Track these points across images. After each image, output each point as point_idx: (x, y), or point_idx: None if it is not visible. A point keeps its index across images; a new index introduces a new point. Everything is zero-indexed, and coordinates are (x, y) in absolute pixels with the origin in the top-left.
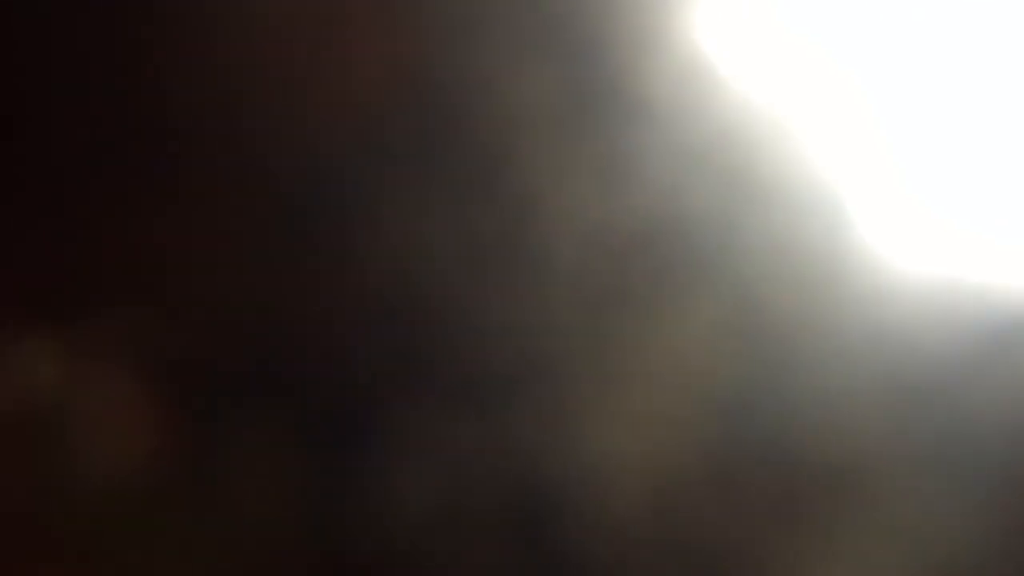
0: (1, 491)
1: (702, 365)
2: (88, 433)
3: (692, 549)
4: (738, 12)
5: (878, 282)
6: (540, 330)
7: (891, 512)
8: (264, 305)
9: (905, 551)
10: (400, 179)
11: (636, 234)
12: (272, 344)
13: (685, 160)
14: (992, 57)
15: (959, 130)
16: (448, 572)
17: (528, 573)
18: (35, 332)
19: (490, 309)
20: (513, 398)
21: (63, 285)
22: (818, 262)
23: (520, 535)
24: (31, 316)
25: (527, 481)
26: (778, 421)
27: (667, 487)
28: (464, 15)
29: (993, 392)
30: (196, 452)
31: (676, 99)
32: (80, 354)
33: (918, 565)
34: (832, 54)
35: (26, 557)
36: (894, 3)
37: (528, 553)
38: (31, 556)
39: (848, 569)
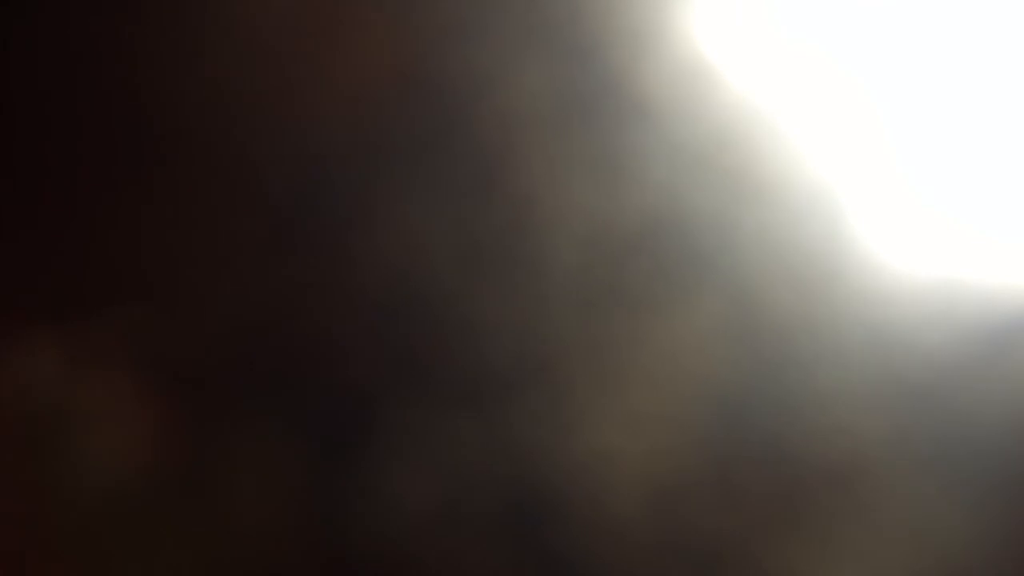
0: (1, 491)
1: (701, 365)
2: (88, 433)
3: (692, 549)
4: (737, 12)
5: (877, 282)
6: (538, 330)
7: (891, 512)
8: (263, 305)
9: (905, 551)
10: (399, 179)
11: (634, 234)
12: (271, 344)
13: (683, 160)
14: (992, 57)
15: (958, 130)
16: (447, 572)
17: (527, 573)
18: (35, 332)
19: (488, 309)
20: (512, 398)
21: (63, 285)
22: (817, 262)
23: (519, 535)
24: (31, 316)
25: (526, 481)
26: (777, 421)
27: (666, 487)
28: (463, 15)
29: (993, 392)
30: (196, 452)
31: (674, 99)
32: (80, 354)
33: (918, 565)
34: (831, 54)
35: (26, 557)
36: (893, 3)
37: (527, 553)
38: (31, 556)
39: (848, 569)
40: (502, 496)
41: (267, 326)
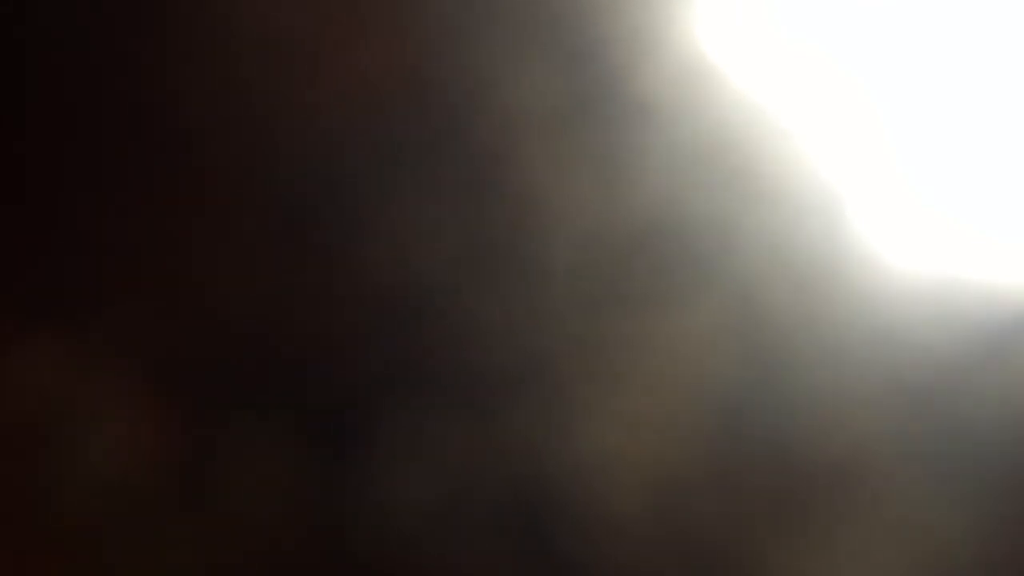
0: (2, 490)
1: (701, 365)
2: (88, 433)
3: (692, 548)
4: (738, 12)
5: (878, 282)
6: (540, 330)
7: (891, 511)
8: (264, 305)
9: (905, 550)
10: (400, 179)
11: (636, 234)
12: (272, 344)
13: (685, 160)
14: (992, 57)
15: (959, 130)
16: (447, 571)
17: (527, 573)
18: (36, 332)
19: (490, 309)
20: (513, 398)
21: (64, 285)
22: (817, 261)
23: (519, 535)
24: (32, 317)
25: (527, 480)
26: (778, 420)
27: (666, 486)
28: (464, 15)
29: (993, 391)
30: (196, 452)
31: (676, 99)
32: (80, 354)
33: (918, 564)
34: (832, 54)
35: (26, 557)
36: (894, 3)
37: (527, 553)
38: (31, 556)
39: (848, 569)
40: (503, 495)
41: (267, 326)
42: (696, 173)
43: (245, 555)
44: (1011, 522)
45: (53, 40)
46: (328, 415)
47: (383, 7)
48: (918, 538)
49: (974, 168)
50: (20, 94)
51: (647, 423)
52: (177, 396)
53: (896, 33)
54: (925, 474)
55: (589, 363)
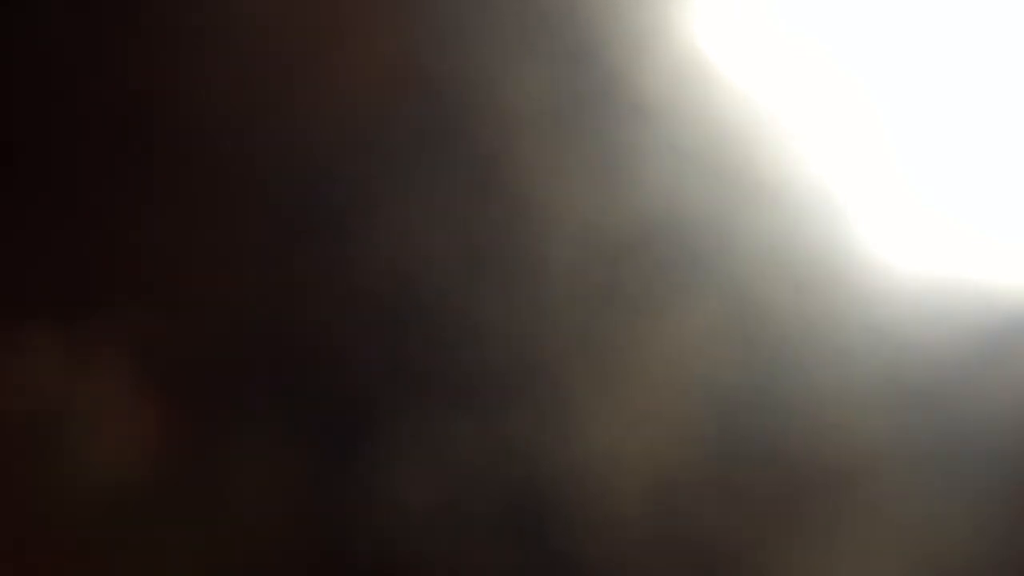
0: (1, 491)
1: (700, 365)
2: (88, 433)
3: (692, 549)
4: (737, 12)
5: (877, 282)
6: (537, 330)
7: (891, 512)
8: (263, 305)
9: (905, 551)
10: (397, 179)
11: (633, 234)
12: (271, 344)
13: (683, 160)
14: (992, 56)
15: (959, 130)
16: (447, 572)
17: (527, 573)
18: (35, 332)
19: (487, 309)
20: (511, 398)
21: (63, 285)
22: (817, 262)
23: (519, 535)
24: (31, 316)
25: (526, 481)
26: (777, 420)
27: (666, 486)
28: (461, 15)
29: (993, 392)
30: (196, 452)
31: (674, 99)
32: (80, 354)
33: (918, 564)
34: (831, 54)
35: (26, 557)
36: (894, 3)
37: (527, 553)
38: (31, 556)
39: (848, 569)
40: (502, 497)
41: (267, 326)
42: (694, 173)
43: (244, 555)
44: (1011, 522)
45: (51, 42)
46: (328, 415)
47: (376, 8)
48: (918, 538)
49: (974, 168)
50: (20, 95)
51: (645, 424)
52: (177, 397)
53: (896, 33)
54: (925, 474)
55: (587, 363)
